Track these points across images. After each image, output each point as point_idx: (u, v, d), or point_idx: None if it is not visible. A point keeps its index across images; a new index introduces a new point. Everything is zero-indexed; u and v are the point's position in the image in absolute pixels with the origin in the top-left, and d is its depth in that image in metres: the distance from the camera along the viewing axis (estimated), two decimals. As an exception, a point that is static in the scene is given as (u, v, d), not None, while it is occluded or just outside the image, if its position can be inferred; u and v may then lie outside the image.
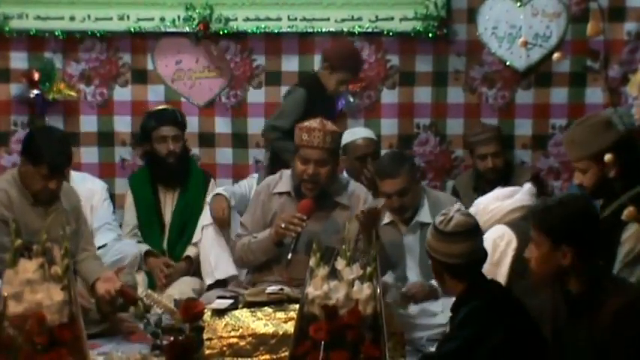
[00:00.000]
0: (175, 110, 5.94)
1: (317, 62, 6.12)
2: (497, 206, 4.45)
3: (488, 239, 4.12)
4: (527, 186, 4.44)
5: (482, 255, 3.76)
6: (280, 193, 4.86)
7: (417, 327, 4.82)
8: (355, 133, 5.84)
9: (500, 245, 4.30)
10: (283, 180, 4.89)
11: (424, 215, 5.14)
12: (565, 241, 3.38)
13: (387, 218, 5.11)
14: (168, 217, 5.88)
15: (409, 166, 5.16)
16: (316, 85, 5.52)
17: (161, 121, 5.79)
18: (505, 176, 5.68)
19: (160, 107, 5.98)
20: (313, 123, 4.74)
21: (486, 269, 3.93)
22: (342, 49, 5.71)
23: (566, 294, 3.47)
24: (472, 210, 4.51)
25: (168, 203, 5.90)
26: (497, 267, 4.25)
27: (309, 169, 4.69)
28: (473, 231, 3.71)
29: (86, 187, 5.70)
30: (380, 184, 5.15)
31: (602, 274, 3.46)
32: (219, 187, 5.80)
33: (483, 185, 5.72)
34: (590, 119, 4.18)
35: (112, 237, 5.65)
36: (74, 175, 5.72)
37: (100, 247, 5.36)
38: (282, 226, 4.62)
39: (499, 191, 4.67)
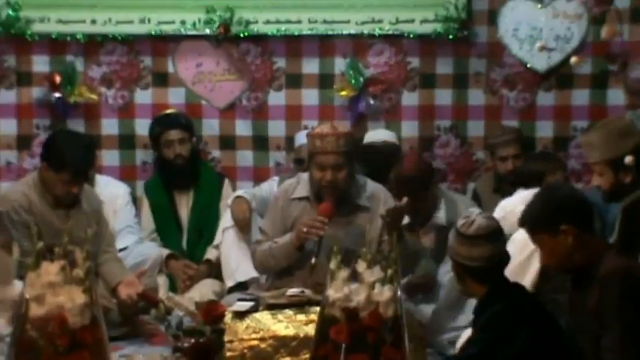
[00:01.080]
0: (179, 113, 5.99)
1: (337, 65, 6.13)
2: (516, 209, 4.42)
3: (519, 239, 4.10)
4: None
5: (505, 258, 3.75)
6: (300, 199, 4.82)
7: (438, 329, 4.82)
8: (376, 134, 5.83)
9: (531, 244, 4.26)
10: (301, 184, 4.85)
11: (440, 218, 5.14)
12: (560, 222, 3.48)
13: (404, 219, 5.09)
14: (185, 219, 5.92)
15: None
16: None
17: (166, 125, 5.85)
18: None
19: (165, 112, 6.03)
20: (324, 128, 4.69)
21: (515, 268, 3.92)
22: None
23: (572, 270, 3.57)
24: (498, 213, 4.49)
25: (184, 205, 5.93)
26: (528, 264, 4.22)
27: (327, 174, 4.64)
28: (495, 234, 3.69)
29: (110, 190, 5.74)
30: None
31: (605, 246, 3.55)
32: (239, 190, 5.81)
33: (504, 187, 5.71)
34: (610, 124, 4.18)
35: (134, 239, 5.68)
36: (98, 178, 5.76)
37: (121, 250, 5.38)
38: (304, 230, 4.57)
39: (524, 193, 4.62)
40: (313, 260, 4.54)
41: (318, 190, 4.72)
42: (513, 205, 4.49)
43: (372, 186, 4.88)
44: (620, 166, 4.01)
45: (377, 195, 4.82)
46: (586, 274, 3.48)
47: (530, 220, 3.60)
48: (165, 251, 5.75)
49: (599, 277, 3.39)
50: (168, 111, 6.05)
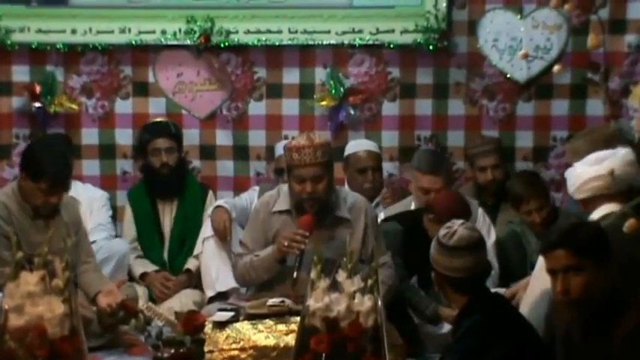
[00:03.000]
0: (169, 122, 5.97)
1: (318, 75, 6.14)
2: (582, 171, 4.05)
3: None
4: (622, 151, 3.95)
5: (485, 269, 3.75)
6: (280, 212, 4.78)
7: (421, 337, 4.84)
8: (358, 144, 5.82)
9: None
10: (282, 197, 4.81)
11: None
12: (610, 258, 3.27)
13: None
14: (167, 229, 5.90)
15: (447, 167, 5.34)
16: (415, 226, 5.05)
17: (155, 133, 5.83)
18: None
19: (155, 120, 6.02)
20: (301, 140, 4.66)
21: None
22: (448, 202, 4.97)
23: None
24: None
25: (167, 215, 5.91)
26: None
27: (307, 187, 4.60)
28: (476, 245, 3.69)
29: (88, 194, 5.78)
30: (419, 178, 5.20)
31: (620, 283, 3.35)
32: (219, 200, 5.80)
33: (485, 197, 5.73)
34: (596, 132, 4.17)
35: (103, 236, 5.64)
36: (77, 185, 5.73)
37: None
38: (285, 244, 4.54)
39: (595, 154, 4.07)
40: (295, 275, 4.51)
41: (299, 203, 4.69)
42: (578, 166, 4.13)
43: (352, 197, 4.87)
44: None
45: (358, 206, 4.80)
46: (602, 315, 3.26)
47: (574, 242, 3.25)
48: (141, 269, 5.72)
49: (626, 330, 3.17)
50: (159, 119, 6.04)
